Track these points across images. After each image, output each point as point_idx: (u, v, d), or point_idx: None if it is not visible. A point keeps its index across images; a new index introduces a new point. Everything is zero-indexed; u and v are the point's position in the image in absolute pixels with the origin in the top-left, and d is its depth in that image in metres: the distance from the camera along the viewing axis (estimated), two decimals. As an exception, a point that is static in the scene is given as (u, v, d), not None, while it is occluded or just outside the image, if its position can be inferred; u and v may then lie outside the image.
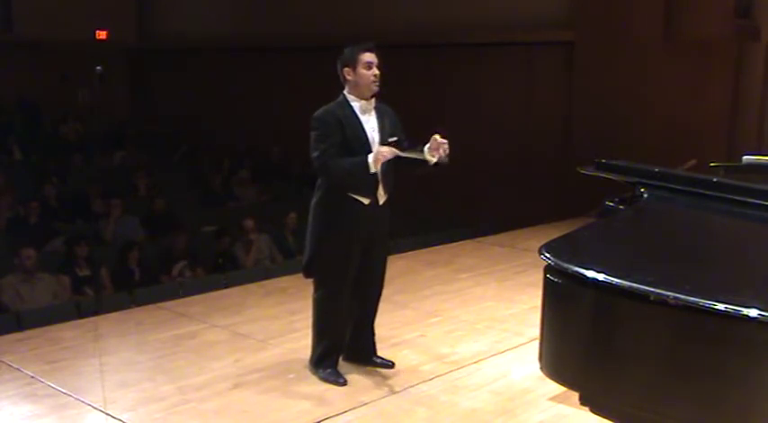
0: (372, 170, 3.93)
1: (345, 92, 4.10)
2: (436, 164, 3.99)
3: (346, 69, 4.06)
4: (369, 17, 12.15)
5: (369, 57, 4.03)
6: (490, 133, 10.93)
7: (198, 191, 11.62)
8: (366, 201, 4.07)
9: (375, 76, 4.03)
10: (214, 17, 15.07)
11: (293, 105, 12.53)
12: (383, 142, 4.05)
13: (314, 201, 4.14)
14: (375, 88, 4.05)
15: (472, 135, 10.26)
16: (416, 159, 3.97)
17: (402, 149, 3.99)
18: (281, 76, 13.49)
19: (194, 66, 15.27)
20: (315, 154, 3.99)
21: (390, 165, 4.08)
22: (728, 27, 9.46)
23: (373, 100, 4.10)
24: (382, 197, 4.13)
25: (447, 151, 3.94)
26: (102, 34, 15.72)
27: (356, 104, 4.06)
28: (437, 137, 3.94)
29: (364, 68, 4.02)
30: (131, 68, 16.81)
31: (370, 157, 3.92)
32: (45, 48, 14.63)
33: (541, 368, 2.90)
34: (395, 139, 4.08)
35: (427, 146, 3.97)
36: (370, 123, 4.06)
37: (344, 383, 4.15)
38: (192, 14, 15.56)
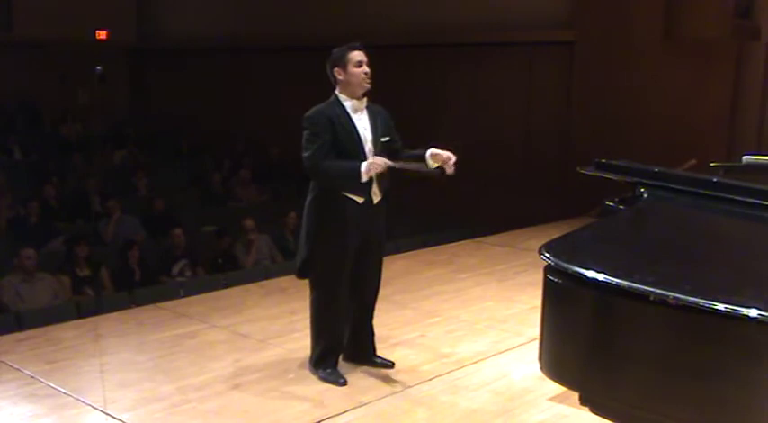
0: (364, 179, 3.94)
1: (337, 92, 4.11)
2: (437, 171, 4.01)
3: (336, 69, 4.07)
4: (369, 17, 12.15)
5: (358, 55, 4.05)
6: (490, 133, 10.93)
7: (198, 191, 11.62)
8: (360, 200, 4.07)
9: (366, 73, 4.05)
10: (214, 17, 15.06)
11: (293, 105, 12.53)
12: (375, 141, 4.07)
13: (308, 200, 4.14)
14: (366, 86, 4.07)
15: (472, 135, 10.27)
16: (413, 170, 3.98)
17: (398, 161, 3.99)
18: (280, 76, 13.49)
19: (194, 66, 15.27)
20: (306, 154, 4.00)
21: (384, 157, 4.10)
22: (728, 27, 9.47)
23: (365, 99, 4.11)
24: (377, 196, 4.13)
25: (452, 167, 3.96)
26: (102, 34, 15.74)
27: (348, 103, 4.07)
28: (449, 155, 3.97)
29: (355, 67, 4.04)
30: (131, 68, 16.81)
31: (363, 166, 3.92)
32: (45, 48, 14.64)
33: (541, 368, 2.90)
34: (387, 139, 4.12)
35: (429, 152, 3.99)
36: (362, 122, 4.08)
37: (344, 383, 4.15)
38: (191, 14, 15.57)
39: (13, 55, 14.49)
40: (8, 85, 14.36)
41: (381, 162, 3.94)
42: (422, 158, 4.04)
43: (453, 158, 3.98)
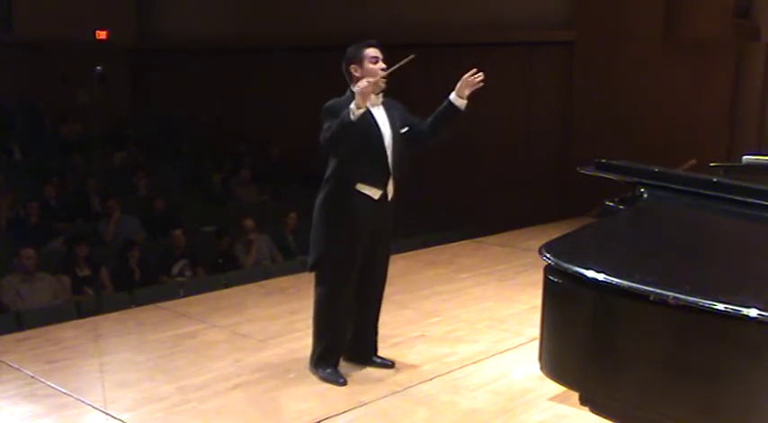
0: (361, 109, 3.83)
1: (352, 88, 4.11)
2: (458, 111, 4.13)
3: (353, 66, 4.09)
4: (368, 17, 12.15)
5: (374, 52, 4.09)
6: (490, 133, 10.93)
7: (198, 191, 11.62)
8: (376, 195, 4.07)
9: (383, 69, 4.07)
10: (214, 17, 15.06)
11: (293, 105, 12.55)
12: (395, 134, 4.10)
13: (320, 196, 4.14)
14: (381, 84, 4.07)
15: (472, 135, 10.26)
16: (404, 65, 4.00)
17: (387, 70, 4.03)
18: (280, 76, 13.49)
19: (194, 66, 15.27)
20: (321, 137, 3.97)
21: (403, 151, 4.13)
22: (728, 27, 9.47)
23: (381, 95, 4.12)
24: (391, 192, 4.14)
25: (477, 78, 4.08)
26: (102, 34, 15.73)
27: None
28: (465, 80, 4.09)
29: (371, 63, 4.07)
30: (131, 68, 16.81)
31: (352, 104, 3.84)
32: (45, 48, 14.64)
33: (541, 368, 2.90)
34: (406, 129, 4.15)
35: (451, 96, 4.12)
36: (380, 117, 4.10)
37: (344, 383, 4.14)
38: (191, 14, 15.57)
39: (13, 55, 14.48)
40: (8, 85, 14.34)
41: (365, 82, 3.89)
42: (450, 106, 4.14)
43: (467, 76, 4.09)
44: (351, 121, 3.83)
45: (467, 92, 4.13)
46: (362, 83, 3.90)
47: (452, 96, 4.14)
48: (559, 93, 10.61)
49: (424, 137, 4.22)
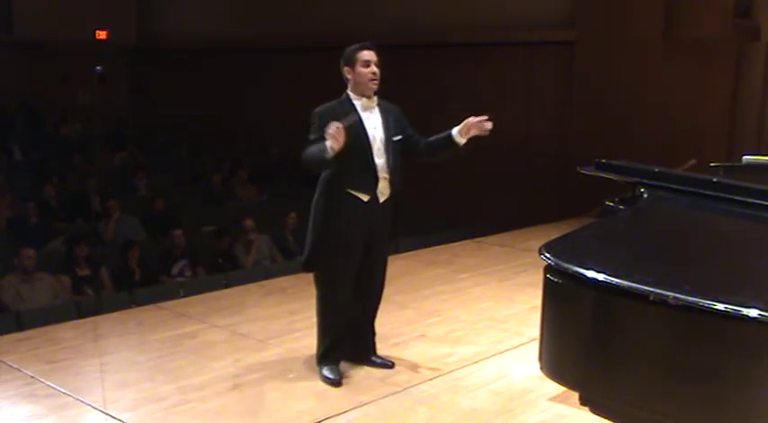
0: (329, 152, 3.79)
1: (348, 90, 4.13)
2: (457, 146, 4.13)
3: (346, 68, 4.09)
4: (368, 17, 12.15)
5: (367, 55, 4.06)
6: (490, 133, 10.92)
7: (198, 191, 11.62)
8: (365, 198, 4.07)
9: (374, 73, 4.05)
10: (214, 17, 15.07)
11: (293, 105, 12.54)
12: (387, 140, 4.09)
13: (315, 196, 4.15)
14: (374, 86, 4.07)
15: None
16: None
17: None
18: (280, 76, 13.49)
19: (194, 66, 15.27)
20: (307, 147, 3.99)
21: (398, 161, 4.12)
22: (728, 27, 9.48)
23: (375, 98, 4.12)
24: (383, 195, 4.13)
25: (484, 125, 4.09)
26: (102, 34, 15.75)
27: (358, 102, 4.08)
28: (470, 121, 4.08)
29: (362, 66, 4.05)
30: (131, 68, 16.81)
31: (328, 143, 3.81)
32: (45, 48, 14.65)
33: (541, 368, 2.90)
34: (399, 137, 4.14)
35: (454, 131, 4.12)
36: (372, 121, 4.08)
37: (339, 384, 4.15)
38: (191, 14, 15.57)
39: (13, 55, 14.49)
40: (8, 85, 14.35)
41: (333, 129, 3.78)
42: (449, 140, 4.13)
43: (474, 119, 4.07)
44: (327, 160, 3.84)
45: (472, 133, 4.11)
46: (331, 129, 3.78)
47: (454, 132, 4.12)
48: (559, 93, 10.61)
49: (416, 153, 4.24)
